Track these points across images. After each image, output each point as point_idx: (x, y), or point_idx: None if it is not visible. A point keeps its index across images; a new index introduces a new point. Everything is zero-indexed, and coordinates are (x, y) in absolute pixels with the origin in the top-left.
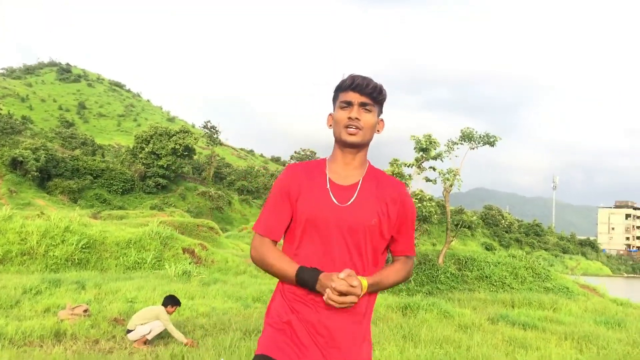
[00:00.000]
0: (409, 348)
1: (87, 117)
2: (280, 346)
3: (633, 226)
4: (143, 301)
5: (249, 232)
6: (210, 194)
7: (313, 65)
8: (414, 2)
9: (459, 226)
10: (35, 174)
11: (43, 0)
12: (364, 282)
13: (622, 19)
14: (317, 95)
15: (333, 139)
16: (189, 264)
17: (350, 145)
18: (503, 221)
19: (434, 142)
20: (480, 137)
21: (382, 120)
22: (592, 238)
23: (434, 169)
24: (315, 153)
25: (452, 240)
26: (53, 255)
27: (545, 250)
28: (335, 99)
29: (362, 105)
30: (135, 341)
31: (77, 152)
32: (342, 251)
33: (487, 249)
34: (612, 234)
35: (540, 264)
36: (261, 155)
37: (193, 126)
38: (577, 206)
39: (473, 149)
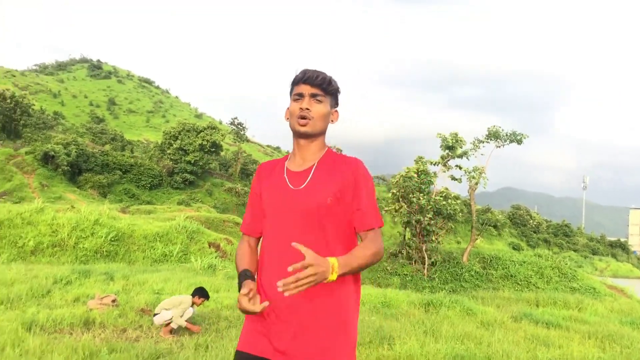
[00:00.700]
0: (430, 343)
1: (117, 113)
2: (255, 339)
3: None
4: (169, 293)
5: None
6: (237, 190)
7: (338, 65)
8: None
9: (485, 224)
10: (66, 168)
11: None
12: (334, 261)
13: None
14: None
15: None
16: (215, 257)
17: (303, 135)
18: (531, 221)
19: (460, 140)
20: (507, 135)
21: (336, 111)
22: (622, 239)
23: (460, 167)
24: (341, 150)
25: (477, 239)
26: (83, 247)
27: (575, 251)
28: (290, 92)
29: (313, 96)
30: (161, 328)
31: (107, 147)
32: (298, 233)
33: (514, 248)
34: None
35: (566, 264)
36: (287, 152)
37: (220, 123)
38: (606, 207)
39: (499, 147)
